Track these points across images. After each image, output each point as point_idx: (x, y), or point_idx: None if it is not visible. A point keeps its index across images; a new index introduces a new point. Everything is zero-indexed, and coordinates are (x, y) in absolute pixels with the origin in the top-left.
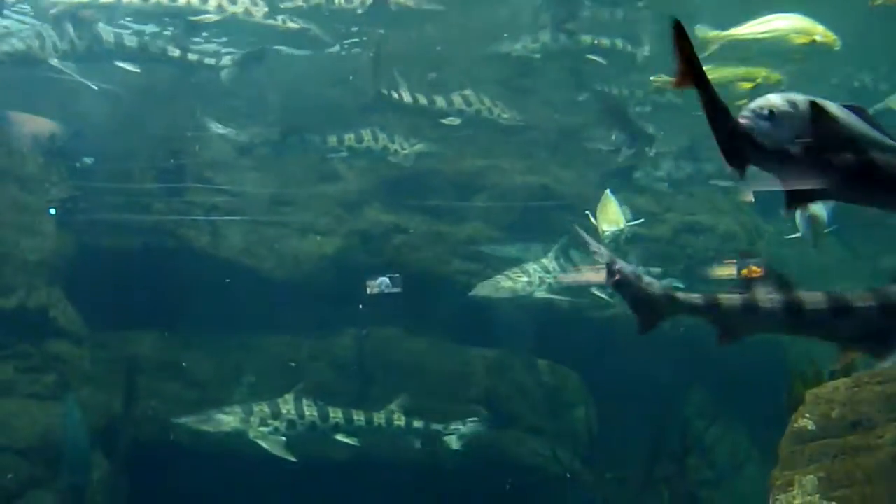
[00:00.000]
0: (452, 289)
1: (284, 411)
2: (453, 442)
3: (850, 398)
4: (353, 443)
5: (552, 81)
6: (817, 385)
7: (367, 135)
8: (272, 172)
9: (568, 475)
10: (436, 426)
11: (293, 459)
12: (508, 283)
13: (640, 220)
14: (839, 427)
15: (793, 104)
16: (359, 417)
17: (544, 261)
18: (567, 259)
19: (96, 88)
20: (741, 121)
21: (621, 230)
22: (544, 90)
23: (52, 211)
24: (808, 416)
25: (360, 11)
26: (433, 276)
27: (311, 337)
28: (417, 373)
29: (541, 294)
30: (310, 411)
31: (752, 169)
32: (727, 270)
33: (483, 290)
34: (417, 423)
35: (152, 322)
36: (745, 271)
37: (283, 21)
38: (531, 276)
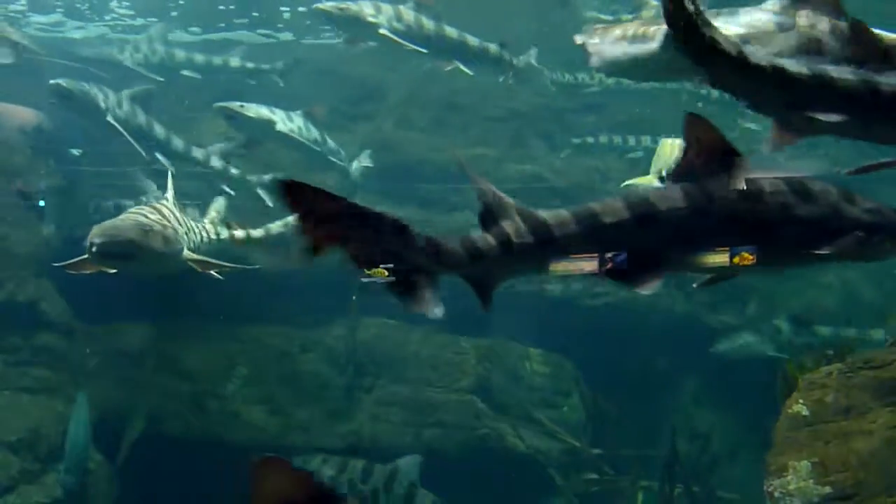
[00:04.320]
0: (444, 278)
1: None
2: None
3: (843, 383)
4: None
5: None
6: (811, 370)
7: None
8: (262, 162)
9: (561, 464)
10: None
11: None
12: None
13: None
14: (833, 412)
15: None
16: None
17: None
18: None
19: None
20: None
21: None
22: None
23: (41, 203)
24: (802, 401)
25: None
26: None
27: (303, 328)
28: (410, 362)
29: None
30: None
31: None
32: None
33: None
34: None
35: (143, 314)
36: (736, 258)
37: None
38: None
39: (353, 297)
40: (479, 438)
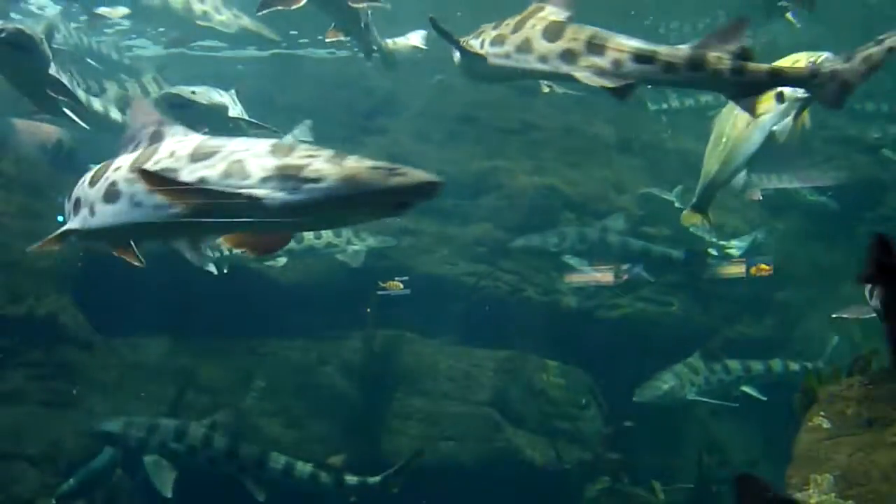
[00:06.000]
0: (460, 290)
1: None
2: None
3: (865, 395)
4: None
5: None
6: (831, 382)
7: None
8: None
9: (579, 476)
10: None
11: None
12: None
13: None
14: (855, 424)
15: None
16: None
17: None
18: None
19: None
20: None
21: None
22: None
23: (60, 218)
24: (823, 413)
25: None
26: (441, 278)
27: (320, 341)
28: (427, 375)
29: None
30: None
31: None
32: (736, 269)
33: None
34: None
35: (162, 328)
36: (753, 270)
37: None
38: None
39: (369, 310)
40: (497, 451)
